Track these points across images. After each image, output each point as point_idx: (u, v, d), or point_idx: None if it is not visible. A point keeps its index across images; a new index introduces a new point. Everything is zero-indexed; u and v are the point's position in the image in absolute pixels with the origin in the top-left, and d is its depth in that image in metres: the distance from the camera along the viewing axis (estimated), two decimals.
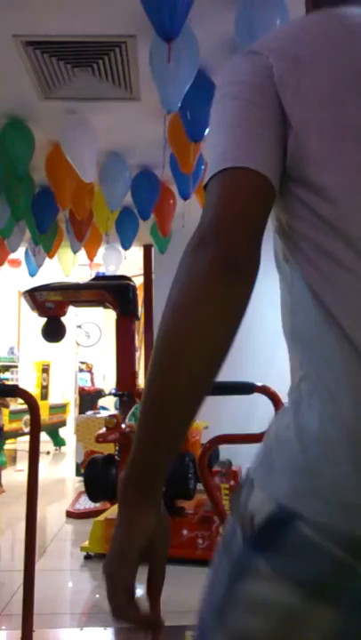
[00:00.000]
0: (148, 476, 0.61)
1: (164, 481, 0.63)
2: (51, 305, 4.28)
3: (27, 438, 2.30)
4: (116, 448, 3.79)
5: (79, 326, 10.27)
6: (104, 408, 7.21)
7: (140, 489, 0.61)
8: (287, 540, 0.59)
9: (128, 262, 4.92)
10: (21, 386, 2.98)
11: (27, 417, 6.64)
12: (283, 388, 2.59)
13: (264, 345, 4.68)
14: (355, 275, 0.57)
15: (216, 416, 3.28)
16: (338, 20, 0.68)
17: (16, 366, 8.94)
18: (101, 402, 7.65)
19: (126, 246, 3.96)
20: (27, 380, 8.10)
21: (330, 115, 0.61)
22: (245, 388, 1.98)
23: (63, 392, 9.45)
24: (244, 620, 0.63)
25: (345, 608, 0.58)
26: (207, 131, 0.97)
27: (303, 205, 0.62)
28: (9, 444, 7.02)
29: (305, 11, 0.82)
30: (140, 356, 6.16)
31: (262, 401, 2.00)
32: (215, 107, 0.67)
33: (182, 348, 0.58)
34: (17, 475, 5.98)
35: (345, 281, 0.58)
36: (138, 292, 4.60)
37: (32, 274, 4.84)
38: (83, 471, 4.14)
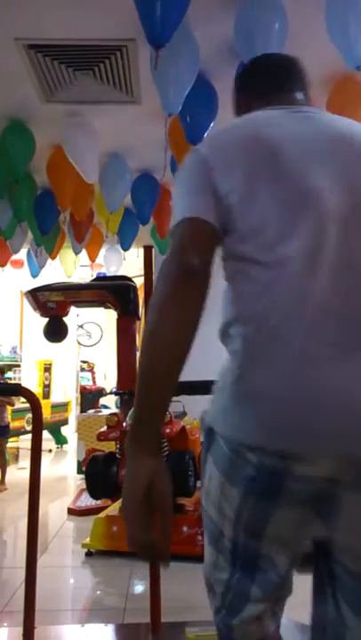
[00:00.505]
0: (145, 429, 0.87)
1: (158, 436, 0.90)
2: (52, 305, 4.30)
3: (29, 436, 2.33)
4: (117, 446, 3.82)
5: (81, 326, 10.29)
6: (105, 407, 7.24)
7: (141, 440, 0.87)
8: (213, 445, 0.93)
9: (129, 263, 4.95)
10: (24, 385, 3.01)
11: (29, 415, 6.67)
12: None
13: None
14: (259, 285, 0.90)
15: None
16: (247, 119, 1.07)
17: (19, 365, 8.97)
18: (103, 400, 7.68)
19: (126, 247, 3.99)
20: (29, 379, 8.14)
21: (242, 186, 0.94)
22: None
23: (65, 391, 9.49)
24: (207, 486, 0.97)
25: (243, 488, 0.89)
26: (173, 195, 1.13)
27: (229, 248, 0.95)
28: (11, 442, 7.05)
29: (238, 110, 1.22)
30: None
31: None
32: (175, 183, 1.04)
33: (159, 331, 0.88)
34: (19, 472, 6.01)
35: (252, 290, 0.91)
36: (138, 293, 4.63)
37: (34, 275, 4.86)
38: (84, 469, 4.16)
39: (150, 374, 0.88)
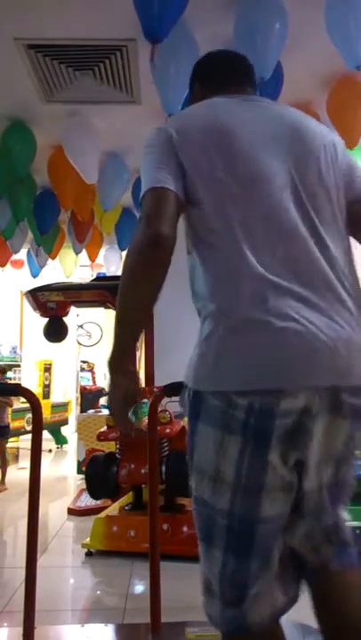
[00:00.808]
0: (121, 358, 1.14)
1: (129, 358, 1.16)
2: (52, 305, 4.30)
3: (29, 436, 2.33)
4: (117, 446, 3.82)
5: (81, 326, 10.30)
6: (105, 407, 7.23)
7: (119, 365, 1.15)
8: (203, 408, 1.05)
9: None
10: (24, 385, 3.01)
11: (29, 415, 6.67)
12: None
13: None
14: (223, 254, 1.07)
15: None
16: (207, 104, 1.22)
17: (18, 365, 8.97)
18: (103, 400, 7.68)
19: (124, 247, 3.99)
20: (29, 379, 8.14)
21: (203, 163, 1.11)
22: None
23: (65, 391, 9.49)
24: (199, 454, 1.07)
25: (240, 434, 1.01)
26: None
27: (193, 218, 1.12)
28: (11, 442, 7.05)
29: (193, 98, 1.36)
30: (141, 356, 6.19)
31: None
32: (144, 157, 1.16)
33: (134, 281, 1.08)
34: (19, 472, 6.01)
35: (218, 259, 1.08)
36: None
37: (34, 275, 4.87)
38: (84, 469, 4.17)
39: (127, 313, 1.11)
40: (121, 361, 1.14)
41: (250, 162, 1.11)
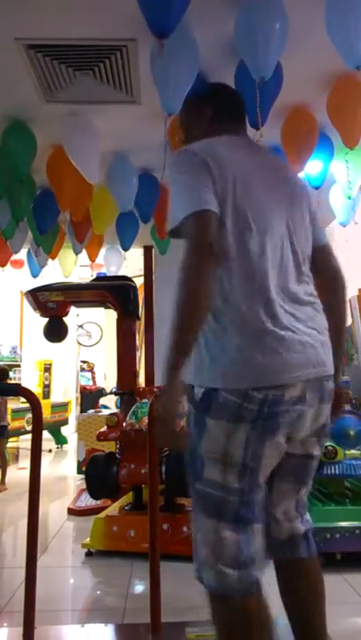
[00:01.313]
0: (179, 359, 1.24)
1: (183, 365, 1.25)
2: (52, 305, 4.31)
3: (29, 436, 2.33)
4: (117, 446, 3.82)
5: (81, 326, 10.30)
6: (105, 407, 7.24)
7: (175, 367, 1.23)
8: (214, 403, 1.27)
9: (129, 263, 4.94)
10: (24, 385, 3.01)
11: (29, 415, 6.67)
12: None
13: None
14: (239, 273, 1.31)
15: None
16: (226, 142, 1.44)
17: (18, 365, 8.98)
18: (102, 400, 7.68)
19: (126, 247, 3.98)
20: (29, 379, 8.14)
21: (230, 194, 1.31)
22: None
23: (65, 391, 9.49)
24: (209, 444, 1.29)
25: (250, 422, 1.26)
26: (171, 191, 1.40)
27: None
28: (11, 442, 7.06)
29: (196, 130, 1.59)
30: (141, 356, 6.19)
31: None
32: (178, 177, 1.35)
33: (197, 301, 1.22)
34: (19, 472, 6.02)
35: (234, 276, 1.31)
36: (138, 293, 4.63)
37: (34, 275, 4.87)
38: (84, 469, 4.17)
39: (183, 331, 1.23)
40: (176, 370, 1.24)
41: (263, 205, 1.35)
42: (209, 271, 1.22)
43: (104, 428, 3.75)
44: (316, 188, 3.24)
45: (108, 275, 5.24)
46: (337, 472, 3.12)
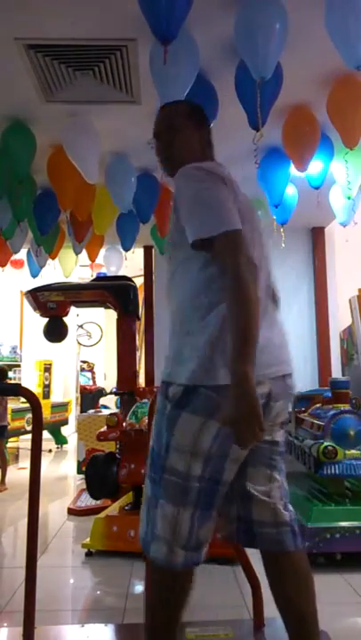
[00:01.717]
0: (252, 362, 1.28)
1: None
2: (52, 305, 4.31)
3: (29, 436, 2.33)
4: (117, 446, 3.82)
5: (81, 326, 10.30)
6: (105, 407, 7.24)
7: (250, 371, 1.27)
8: (193, 400, 1.37)
9: (129, 263, 4.95)
10: (24, 385, 3.01)
11: (29, 415, 6.68)
12: None
13: None
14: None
15: None
16: (222, 166, 1.52)
17: (18, 365, 8.98)
18: (102, 400, 7.68)
19: (127, 247, 3.99)
20: (29, 379, 8.14)
21: (241, 213, 1.42)
22: None
23: (65, 391, 9.49)
24: (181, 437, 1.39)
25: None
26: (190, 195, 1.43)
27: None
28: (11, 442, 7.06)
29: (184, 134, 1.61)
30: (141, 356, 6.19)
31: None
32: (200, 191, 1.41)
33: (254, 313, 1.32)
34: (19, 472, 6.02)
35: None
36: (138, 293, 4.63)
37: (34, 275, 4.87)
38: (84, 469, 4.17)
39: (253, 330, 1.31)
40: (250, 368, 1.28)
41: (255, 231, 1.51)
42: (258, 290, 1.36)
43: (104, 428, 3.75)
44: (316, 188, 3.24)
45: (108, 275, 5.24)
46: (337, 472, 3.12)
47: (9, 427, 5.90)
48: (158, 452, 1.43)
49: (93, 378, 10.30)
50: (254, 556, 1.97)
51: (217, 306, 1.37)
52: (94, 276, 5.89)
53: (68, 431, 8.65)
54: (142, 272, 5.69)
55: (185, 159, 1.52)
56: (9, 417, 5.92)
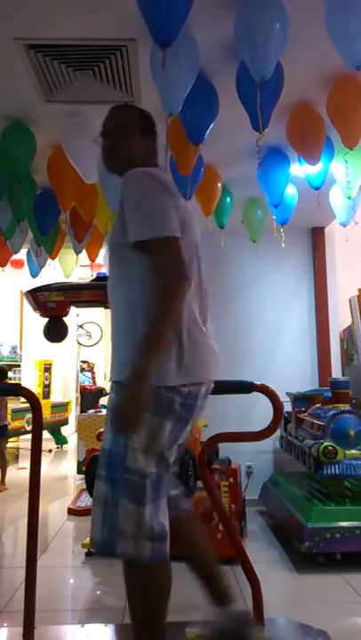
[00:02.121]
0: (148, 373, 1.42)
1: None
2: (52, 305, 4.31)
3: (29, 436, 2.33)
4: None
5: (81, 326, 10.30)
6: (105, 407, 7.22)
7: (146, 379, 1.42)
8: (156, 398, 1.48)
9: None
10: (24, 385, 3.01)
11: (29, 415, 6.67)
12: (281, 387, 2.64)
13: (262, 345, 4.70)
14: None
15: (215, 415, 3.31)
16: (165, 174, 1.66)
17: (18, 365, 8.98)
18: (103, 400, 7.68)
19: None
20: (29, 379, 8.14)
21: (181, 223, 1.53)
22: (244, 387, 2.01)
23: (65, 391, 9.49)
24: (139, 437, 1.50)
25: (174, 419, 1.53)
26: (136, 195, 1.54)
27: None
28: (11, 442, 7.05)
29: (132, 140, 1.75)
30: None
31: (261, 400, 2.03)
32: (143, 190, 1.52)
33: (171, 318, 1.45)
34: (19, 472, 6.02)
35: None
36: None
37: (34, 275, 4.87)
38: (84, 469, 4.16)
39: (161, 342, 1.44)
40: (147, 376, 1.42)
41: (192, 241, 1.62)
42: (186, 295, 1.47)
43: (104, 428, 3.74)
44: (316, 189, 3.24)
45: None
46: (337, 472, 3.12)
47: (9, 426, 5.90)
48: (117, 452, 1.52)
49: (93, 378, 10.30)
50: (254, 556, 1.97)
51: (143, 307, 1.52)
52: (94, 276, 5.89)
53: (68, 431, 8.65)
54: None
55: (131, 161, 1.62)
56: (9, 417, 5.92)
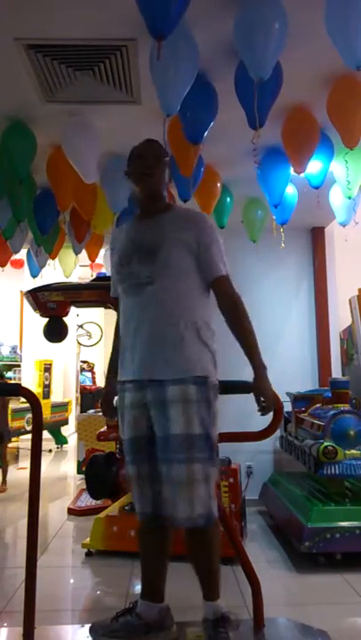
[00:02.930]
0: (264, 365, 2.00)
1: None
2: (52, 305, 4.30)
3: (29, 436, 2.33)
4: (117, 446, 3.82)
5: (81, 326, 10.30)
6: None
7: (264, 364, 2.00)
8: (213, 389, 1.95)
9: None
10: (24, 385, 3.01)
11: (29, 415, 6.67)
12: (281, 387, 2.63)
13: (262, 345, 4.69)
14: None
15: None
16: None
17: (18, 365, 8.98)
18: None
19: None
20: (29, 379, 8.14)
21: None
22: (245, 387, 2.01)
23: (65, 391, 9.49)
24: (214, 417, 1.94)
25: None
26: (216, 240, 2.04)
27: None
28: (11, 442, 7.05)
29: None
30: None
31: None
32: (218, 241, 2.07)
33: (250, 324, 2.04)
34: (19, 472, 6.02)
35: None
36: None
37: (34, 275, 4.87)
38: (84, 469, 4.17)
39: (256, 342, 2.00)
40: (265, 368, 1.99)
41: None
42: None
43: (104, 428, 3.75)
44: (316, 188, 3.24)
45: (108, 275, 5.23)
46: (337, 472, 3.12)
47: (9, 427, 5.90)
48: (205, 433, 1.84)
49: (93, 378, 10.30)
50: (254, 556, 1.97)
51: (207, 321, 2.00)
52: (94, 276, 5.89)
53: (68, 431, 8.65)
54: None
55: (161, 191, 2.10)
56: (9, 417, 5.92)
